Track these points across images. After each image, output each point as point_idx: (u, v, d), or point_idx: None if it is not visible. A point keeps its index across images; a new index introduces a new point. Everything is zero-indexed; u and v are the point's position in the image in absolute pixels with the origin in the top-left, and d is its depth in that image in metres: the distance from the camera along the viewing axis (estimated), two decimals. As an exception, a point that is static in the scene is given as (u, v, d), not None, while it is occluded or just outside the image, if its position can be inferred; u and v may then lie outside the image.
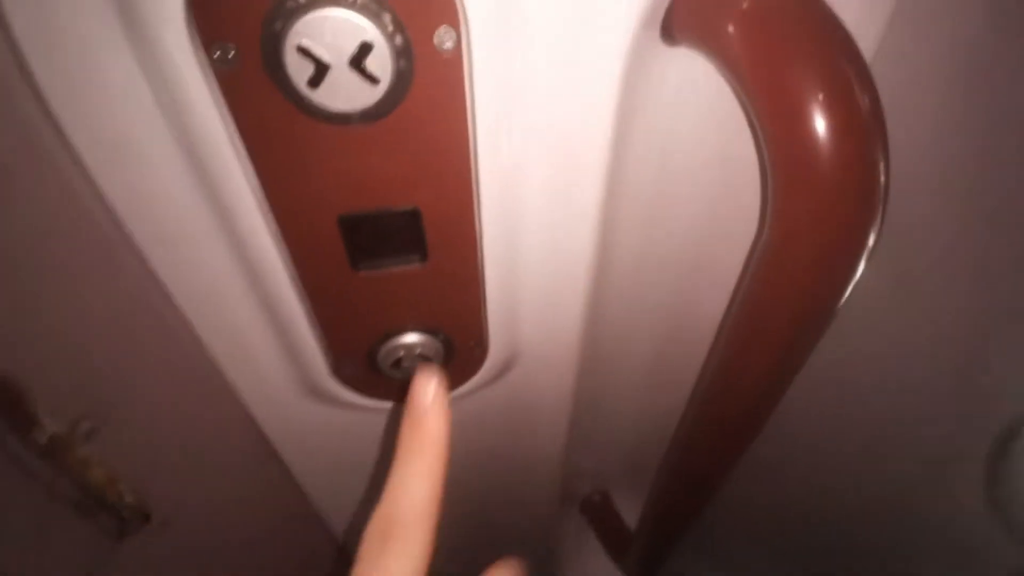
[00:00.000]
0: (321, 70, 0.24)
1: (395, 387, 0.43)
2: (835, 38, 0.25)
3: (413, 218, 0.31)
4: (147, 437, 0.36)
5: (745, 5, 0.26)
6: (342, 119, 0.26)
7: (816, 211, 0.26)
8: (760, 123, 0.26)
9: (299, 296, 0.35)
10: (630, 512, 0.90)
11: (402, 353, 0.39)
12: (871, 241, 0.27)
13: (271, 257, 0.32)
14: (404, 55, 0.25)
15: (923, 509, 0.72)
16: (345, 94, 0.25)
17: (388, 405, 0.44)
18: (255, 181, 0.28)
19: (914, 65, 0.34)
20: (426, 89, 0.26)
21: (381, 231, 0.32)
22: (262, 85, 0.24)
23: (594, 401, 0.60)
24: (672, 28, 0.28)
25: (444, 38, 0.25)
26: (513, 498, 0.66)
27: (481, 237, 0.33)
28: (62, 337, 0.30)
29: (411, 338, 0.39)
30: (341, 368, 0.40)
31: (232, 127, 0.26)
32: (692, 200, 0.39)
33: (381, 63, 0.24)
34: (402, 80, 0.25)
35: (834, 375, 0.63)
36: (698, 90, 0.33)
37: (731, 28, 0.26)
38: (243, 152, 0.27)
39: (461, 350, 0.41)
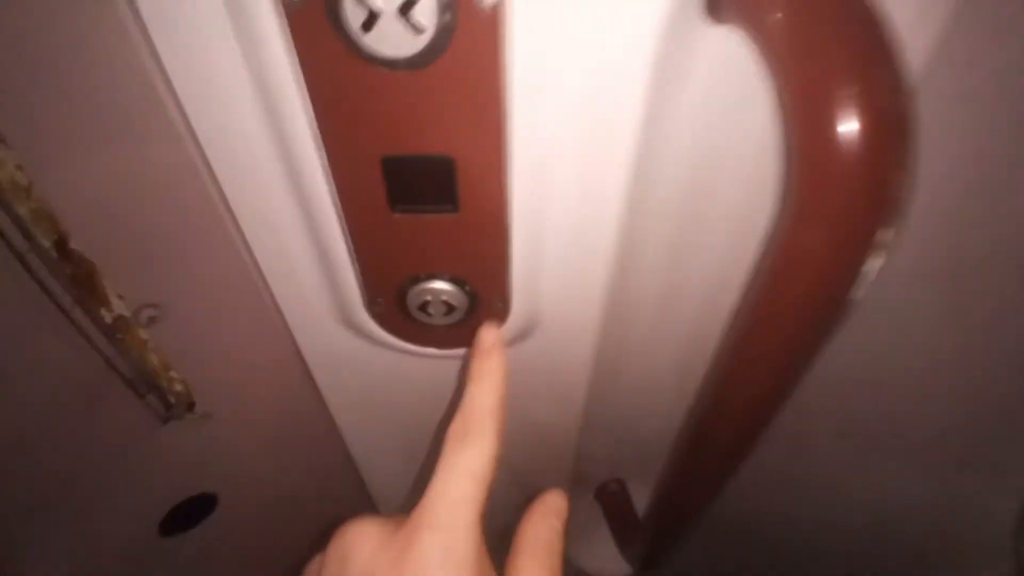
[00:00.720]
0: (372, 15, 0.27)
1: (420, 330, 0.46)
2: (876, 33, 0.25)
3: (447, 167, 0.34)
4: (199, 336, 0.41)
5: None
6: (389, 64, 0.29)
7: (834, 203, 0.27)
8: (786, 108, 0.26)
9: (342, 230, 0.38)
10: (640, 496, 0.90)
11: (429, 297, 0.42)
12: (887, 239, 0.27)
13: (320, 189, 0.36)
14: (448, 8, 0.27)
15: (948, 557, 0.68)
16: (392, 40, 0.28)
17: (412, 348, 0.47)
18: (311, 115, 0.32)
19: (977, 72, 0.33)
20: (467, 43, 0.28)
21: (418, 176, 0.35)
22: (323, 26, 0.28)
23: (614, 384, 0.61)
24: (717, 4, 0.29)
25: (486, -5, 0.27)
26: (524, 470, 0.68)
27: (510, 194, 0.35)
28: (136, 236, 0.34)
29: (439, 284, 0.41)
30: (373, 304, 0.43)
31: (296, 64, 0.29)
32: (730, 178, 0.39)
33: (427, 14, 0.27)
34: (445, 32, 0.28)
35: (866, 408, 0.61)
36: (739, 72, 0.33)
37: (775, 11, 0.26)
38: (303, 87, 0.30)
39: (484, 304, 0.43)
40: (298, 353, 0.47)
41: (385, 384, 0.53)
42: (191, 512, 0.52)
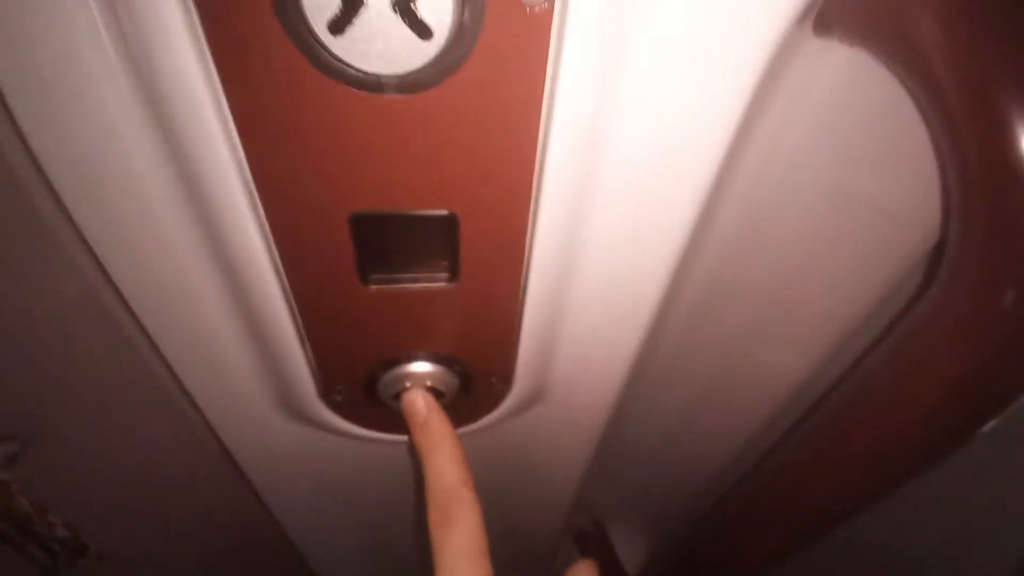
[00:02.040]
0: (351, 7, 0.16)
1: (392, 418, 0.35)
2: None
3: (448, 225, 0.24)
4: (86, 458, 0.29)
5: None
6: (372, 84, 0.18)
7: None
8: (956, 145, 0.19)
9: (288, 306, 0.27)
10: (625, 546, 0.84)
11: (408, 384, 0.32)
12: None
13: (256, 254, 0.24)
14: (472, 1, 0.17)
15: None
16: (381, 48, 0.17)
17: (384, 436, 0.37)
18: (242, 155, 0.21)
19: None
20: (495, 53, 0.18)
21: (404, 238, 0.25)
22: (262, 20, 0.17)
23: (613, 438, 0.53)
24: (832, 16, 0.21)
25: (533, -16, 0.17)
26: (511, 532, 0.59)
27: (530, 257, 0.26)
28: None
29: (420, 367, 0.31)
30: (331, 393, 0.32)
31: (214, 76, 0.18)
32: (786, 240, 0.32)
33: (439, 7, 0.17)
34: (464, 36, 0.18)
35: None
36: (831, 100, 0.25)
37: (926, 22, 0.19)
38: (228, 114, 0.19)
39: (479, 385, 0.33)
40: (226, 455, 0.35)
41: (344, 477, 0.42)
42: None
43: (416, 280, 0.26)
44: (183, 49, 0.18)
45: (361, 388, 0.32)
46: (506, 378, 0.33)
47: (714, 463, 0.55)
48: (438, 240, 0.25)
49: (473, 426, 0.37)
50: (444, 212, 0.23)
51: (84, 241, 0.24)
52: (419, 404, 0.31)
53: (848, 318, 0.36)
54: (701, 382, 0.45)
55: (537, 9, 0.18)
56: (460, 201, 0.23)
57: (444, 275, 0.26)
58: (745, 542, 0.39)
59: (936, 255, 0.28)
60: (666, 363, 0.43)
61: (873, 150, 0.27)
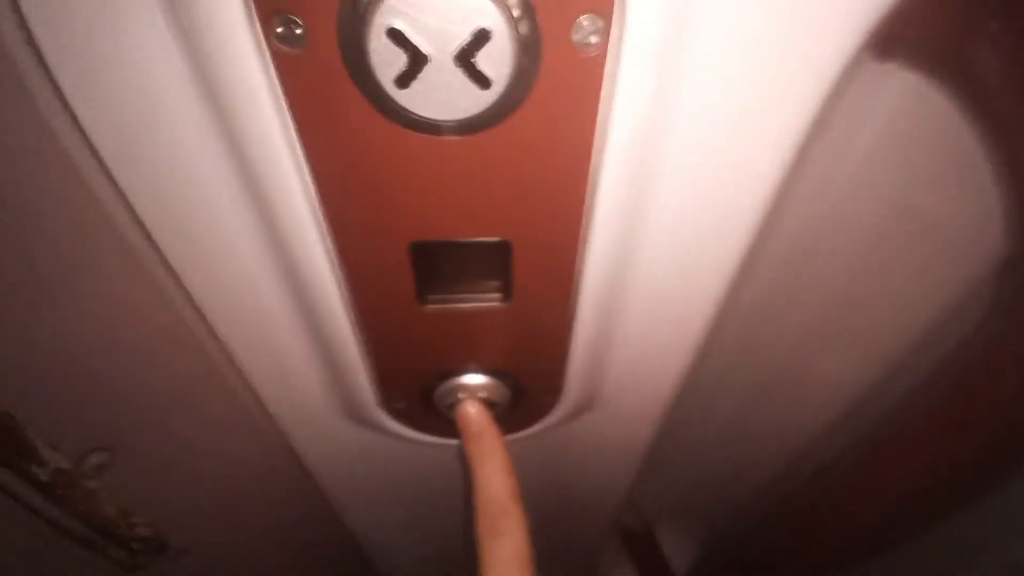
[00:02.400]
0: (416, 64, 0.17)
1: (449, 424, 0.37)
2: None
3: (501, 252, 0.25)
4: (168, 462, 0.32)
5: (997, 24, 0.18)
6: (432, 128, 0.20)
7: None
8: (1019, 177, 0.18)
9: (352, 324, 0.29)
10: (672, 545, 0.84)
11: (461, 396, 0.33)
12: None
13: (324, 279, 0.26)
14: (529, 50, 0.18)
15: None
16: (443, 97, 0.18)
17: (440, 440, 0.39)
18: (313, 192, 0.22)
19: None
20: (549, 98, 0.19)
21: (460, 263, 0.26)
22: (335, 76, 0.18)
23: (665, 444, 0.53)
24: (893, 43, 0.21)
25: (587, 32, 0.18)
26: (557, 530, 0.61)
27: (580, 281, 0.27)
28: (69, 362, 0.24)
29: (474, 379, 0.33)
30: (391, 402, 0.34)
31: (290, 124, 0.20)
32: (844, 254, 0.31)
33: (498, 59, 0.18)
34: (520, 83, 0.19)
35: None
36: (892, 119, 0.25)
37: (988, 54, 0.18)
38: (301, 156, 0.21)
39: (530, 396, 0.34)
40: (296, 458, 0.38)
41: (405, 479, 0.44)
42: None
43: (470, 300, 0.28)
44: (263, 98, 0.19)
45: (418, 398, 0.33)
46: (556, 389, 0.34)
47: (766, 468, 0.55)
48: (491, 264, 0.26)
49: (523, 433, 0.38)
50: (497, 239, 0.24)
51: (171, 269, 0.26)
52: (472, 417, 0.32)
53: (908, 334, 0.35)
54: (756, 388, 0.45)
55: (591, 52, 0.18)
56: (513, 229, 0.24)
57: (497, 296, 0.27)
58: (796, 550, 0.39)
59: (1003, 276, 0.27)
60: (721, 368, 0.43)
61: (936, 169, 0.26)
